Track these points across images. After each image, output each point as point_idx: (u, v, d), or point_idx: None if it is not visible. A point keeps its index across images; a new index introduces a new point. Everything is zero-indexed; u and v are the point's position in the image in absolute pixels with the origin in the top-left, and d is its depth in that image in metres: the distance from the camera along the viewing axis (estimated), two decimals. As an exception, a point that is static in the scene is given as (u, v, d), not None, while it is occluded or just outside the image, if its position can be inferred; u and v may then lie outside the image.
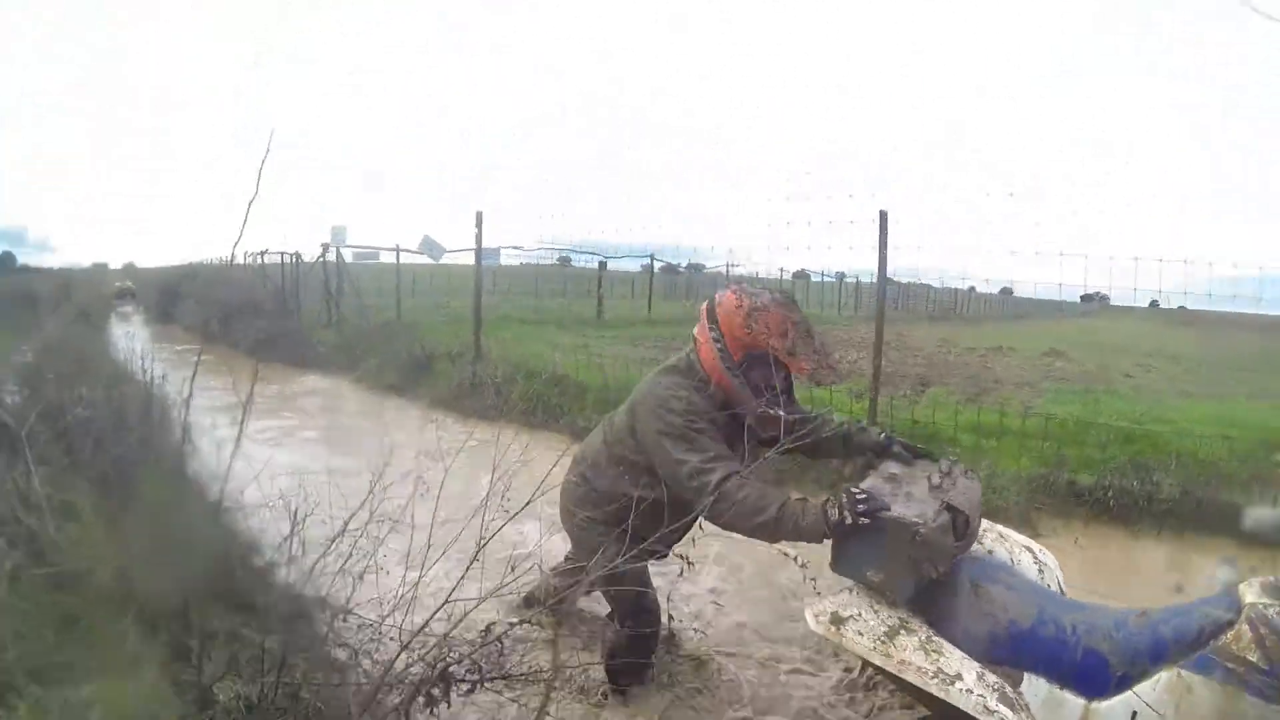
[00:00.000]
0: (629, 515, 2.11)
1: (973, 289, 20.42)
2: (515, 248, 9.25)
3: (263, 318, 10.91)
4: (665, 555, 2.45)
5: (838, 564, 1.99)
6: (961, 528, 1.99)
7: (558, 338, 9.01)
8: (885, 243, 4.95)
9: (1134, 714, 1.86)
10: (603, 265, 14.37)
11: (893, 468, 2.19)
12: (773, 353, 2.14)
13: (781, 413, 2.18)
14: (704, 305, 2.24)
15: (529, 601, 2.70)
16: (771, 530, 1.98)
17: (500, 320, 10.15)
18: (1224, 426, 5.25)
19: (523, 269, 17.09)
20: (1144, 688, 1.87)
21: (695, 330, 2.24)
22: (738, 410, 2.19)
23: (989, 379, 8.57)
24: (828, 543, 1.99)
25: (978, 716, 1.73)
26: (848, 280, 18.53)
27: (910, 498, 2.01)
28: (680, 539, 2.40)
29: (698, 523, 2.28)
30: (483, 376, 6.54)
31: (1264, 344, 12.96)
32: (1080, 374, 10.03)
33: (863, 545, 1.93)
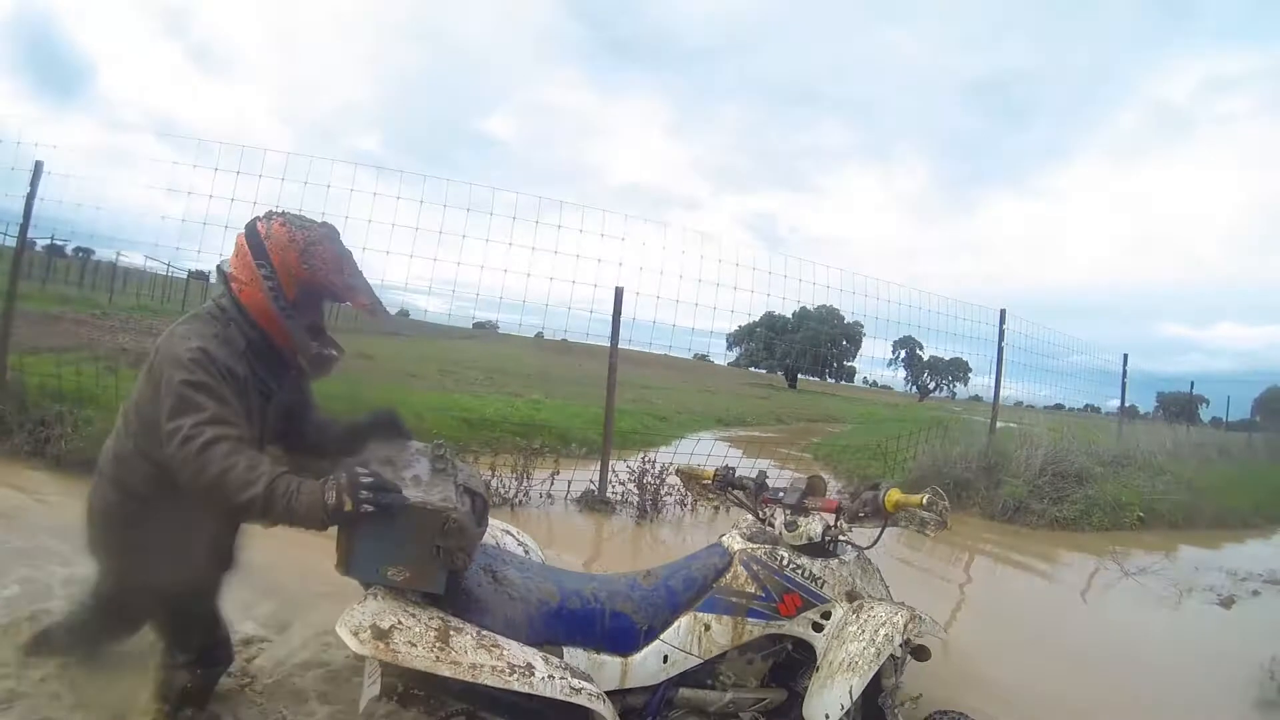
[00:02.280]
0: (161, 510, 1.90)
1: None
2: None
3: None
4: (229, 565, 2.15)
5: (349, 566, 1.77)
6: (481, 511, 1.94)
7: None
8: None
9: (664, 656, 2.15)
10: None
11: (384, 449, 2.02)
12: (332, 289, 2.02)
13: (335, 353, 2.13)
14: (240, 238, 1.98)
15: (41, 641, 2.30)
16: (261, 508, 1.68)
17: None
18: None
19: None
20: (669, 634, 2.19)
21: (230, 269, 1.98)
22: (289, 354, 2.02)
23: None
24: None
25: (567, 699, 1.79)
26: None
27: (420, 481, 1.86)
28: (233, 533, 2.13)
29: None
30: None
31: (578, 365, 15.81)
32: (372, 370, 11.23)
33: (377, 541, 1.73)
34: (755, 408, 18.58)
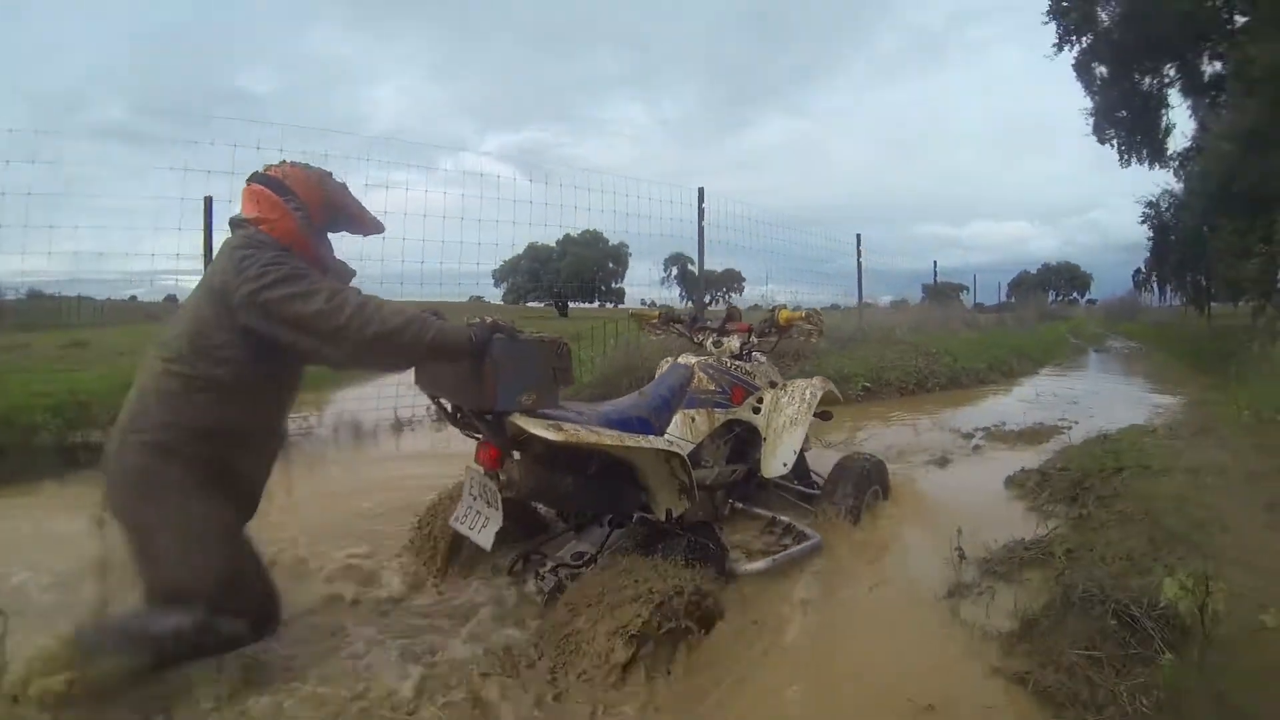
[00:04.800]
0: (214, 447, 2.01)
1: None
2: None
3: None
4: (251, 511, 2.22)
5: (496, 401, 2.18)
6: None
7: None
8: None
9: (670, 444, 2.69)
10: None
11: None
12: (348, 210, 2.32)
13: (355, 269, 2.41)
14: (253, 188, 2.19)
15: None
16: (416, 333, 2.03)
17: None
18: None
19: None
20: (672, 429, 2.85)
21: (255, 210, 2.15)
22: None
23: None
24: None
25: (668, 448, 2.58)
26: None
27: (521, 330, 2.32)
28: (267, 471, 2.24)
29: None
30: None
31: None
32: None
33: (513, 376, 2.18)
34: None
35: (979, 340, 11.25)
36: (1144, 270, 23.91)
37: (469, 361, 2.15)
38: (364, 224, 2.37)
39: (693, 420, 2.92)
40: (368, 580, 2.77)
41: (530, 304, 47.52)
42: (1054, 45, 17.19)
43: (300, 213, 2.14)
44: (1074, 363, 13.63)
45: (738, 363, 3.22)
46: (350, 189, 2.34)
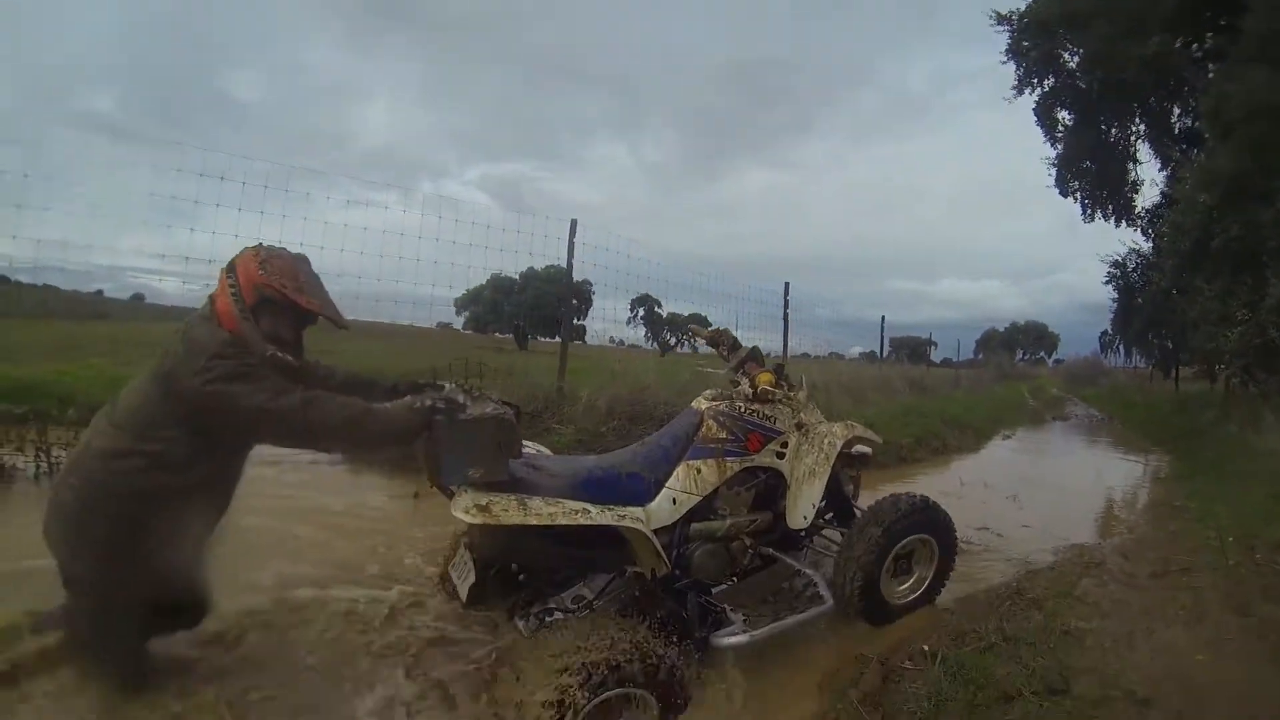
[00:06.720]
0: (154, 510, 2.14)
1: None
2: None
3: None
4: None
5: (442, 475, 2.33)
6: (518, 414, 2.44)
7: None
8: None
9: (673, 499, 2.74)
10: None
11: (429, 394, 2.44)
12: (282, 291, 2.26)
13: (291, 358, 2.33)
14: (225, 266, 2.32)
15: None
16: (374, 424, 2.19)
17: None
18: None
19: None
20: (672, 481, 2.78)
21: (218, 288, 2.30)
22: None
23: None
24: None
25: (618, 524, 2.44)
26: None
27: (466, 405, 2.36)
28: (208, 528, 2.37)
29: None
30: None
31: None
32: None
33: (456, 451, 2.26)
34: (433, 367, 15.12)
35: (913, 407, 9.87)
36: (1109, 332, 22.98)
37: (421, 440, 2.33)
38: (303, 302, 2.30)
39: (698, 472, 2.86)
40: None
41: (502, 335, 45.97)
42: (1013, 88, 16.10)
43: (233, 290, 2.24)
44: (1026, 435, 12.31)
45: (755, 406, 3.06)
46: (309, 274, 2.36)
